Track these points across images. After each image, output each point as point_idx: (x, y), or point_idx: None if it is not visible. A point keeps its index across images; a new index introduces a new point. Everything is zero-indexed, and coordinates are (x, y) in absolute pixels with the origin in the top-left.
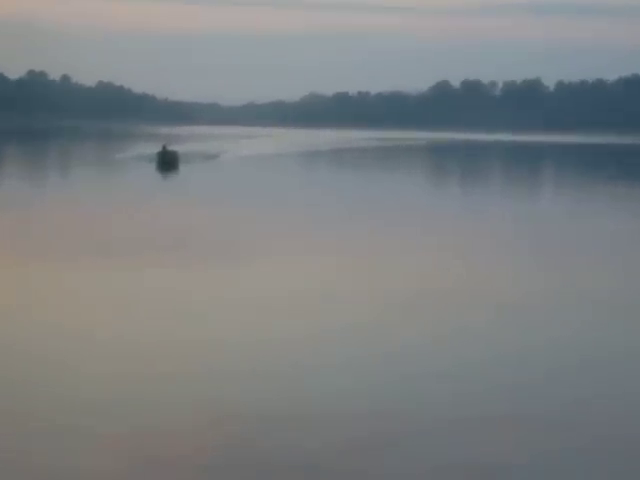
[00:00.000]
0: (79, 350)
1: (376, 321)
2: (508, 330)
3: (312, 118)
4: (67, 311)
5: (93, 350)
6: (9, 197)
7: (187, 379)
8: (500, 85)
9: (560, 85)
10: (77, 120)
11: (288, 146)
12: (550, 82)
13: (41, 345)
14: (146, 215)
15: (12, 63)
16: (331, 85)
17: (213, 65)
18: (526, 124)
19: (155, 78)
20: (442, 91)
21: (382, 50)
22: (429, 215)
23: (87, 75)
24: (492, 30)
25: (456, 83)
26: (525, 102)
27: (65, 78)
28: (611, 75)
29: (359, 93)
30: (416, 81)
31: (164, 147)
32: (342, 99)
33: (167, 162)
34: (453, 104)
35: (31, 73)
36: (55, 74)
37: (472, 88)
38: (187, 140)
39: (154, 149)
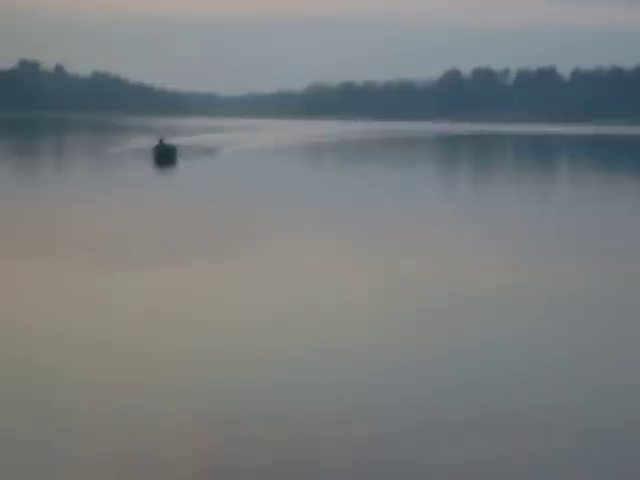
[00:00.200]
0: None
1: (393, 324)
2: (550, 330)
3: (316, 109)
4: (51, 312)
5: (74, 354)
6: None
7: (188, 387)
8: (513, 74)
9: (576, 73)
10: (71, 112)
11: (291, 139)
12: (565, 70)
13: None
14: (140, 213)
15: (3, 53)
16: (336, 74)
17: (213, 54)
18: (540, 114)
19: (152, 68)
20: (452, 80)
21: (389, 37)
22: (439, 213)
23: (82, 65)
24: (504, 16)
25: (467, 72)
26: (539, 91)
27: (59, 68)
28: (628, 62)
29: (365, 83)
30: (425, 70)
31: (161, 141)
32: (348, 89)
33: (164, 157)
34: (463, 94)
35: (23, 63)
36: (49, 64)
37: (484, 77)
38: (186, 133)
39: (151, 142)
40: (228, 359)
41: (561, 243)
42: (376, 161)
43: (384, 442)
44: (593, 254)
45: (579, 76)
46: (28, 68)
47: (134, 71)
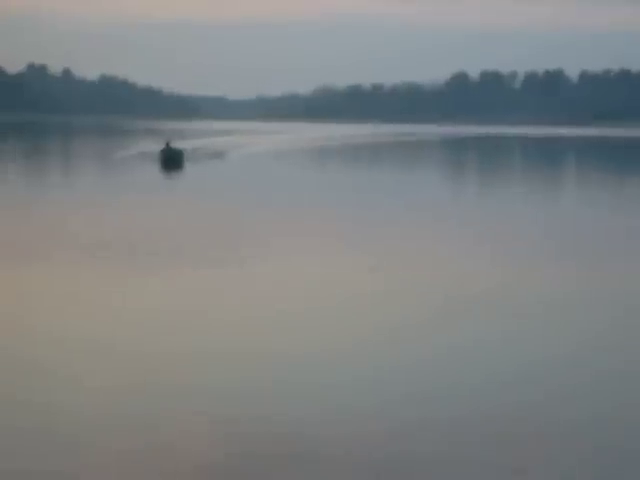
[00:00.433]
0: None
1: (399, 326)
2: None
3: (324, 112)
4: (57, 315)
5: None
6: None
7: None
8: (521, 76)
9: (583, 76)
10: (79, 115)
11: (299, 142)
12: (573, 73)
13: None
14: (143, 219)
15: (11, 57)
16: (344, 77)
17: (221, 57)
18: (548, 117)
19: (161, 71)
20: (459, 83)
21: (397, 41)
22: (445, 216)
23: (90, 69)
24: (511, 18)
25: (474, 74)
26: (547, 94)
27: (66, 72)
28: (636, 64)
29: (373, 86)
30: (432, 73)
31: (167, 144)
32: (355, 92)
33: (171, 161)
34: (471, 97)
35: (31, 67)
36: (56, 68)
37: (491, 80)
38: (193, 136)
39: (158, 146)
40: (236, 360)
41: (569, 246)
42: (384, 164)
43: (383, 440)
44: (601, 258)
45: (587, 78)
46: (36, 72)
47: (142, 74)
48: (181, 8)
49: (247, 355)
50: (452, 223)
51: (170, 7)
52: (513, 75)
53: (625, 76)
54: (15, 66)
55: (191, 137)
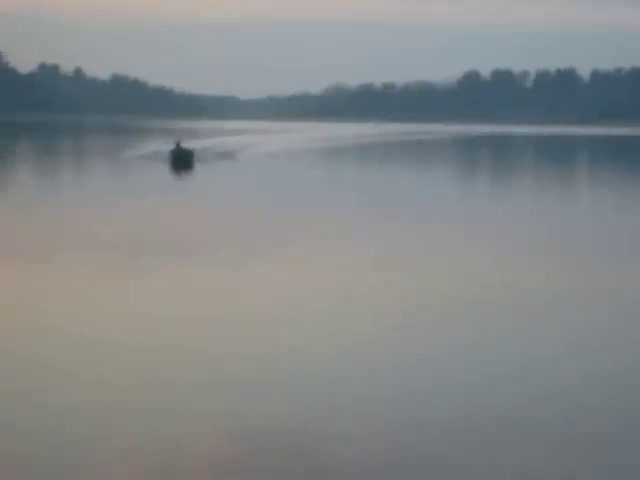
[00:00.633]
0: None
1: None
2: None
3: (336, 111)
4: (67, 314)
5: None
6: None
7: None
8: (532, 75)
9: (595, 74)
10: (90, 115)
11: (310, 142)
12: (584, 71)
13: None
14: (151, 221)
15: (23, 57)
16: (355, 76)
17: (232, 57)
18: (560, 116)
19: (172, 71)
20: (471, 82)
21: (408, 40)
22: (455, 215)
23: (101, 68)
24: (523, 17)
25: (486, 73)
26: (559, 93)
27: (78, 71)
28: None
29: (384, 85)
30: (444, 72)
31: (178, 144)
32: (366, 91)
33: (181, 161)
34: (482, 96)
35: (42, 67)
36: (68, 68)
37: (502, 79)
38: (204, 135)
39: (168, 146)
40: (251, 356)
41: (573, 244)
42: (394, 163)
43: (383, 439)
44: (613, 257)
45: (598, 77)
46: (47, 72)
47: (153, 74)
48: (192, 8)
49: (262, 351)
50: (464, 221)
51: (181, 7)
52: (525, 74)
53: (637, 75)
54: (27, 66)
55: (202, 137)
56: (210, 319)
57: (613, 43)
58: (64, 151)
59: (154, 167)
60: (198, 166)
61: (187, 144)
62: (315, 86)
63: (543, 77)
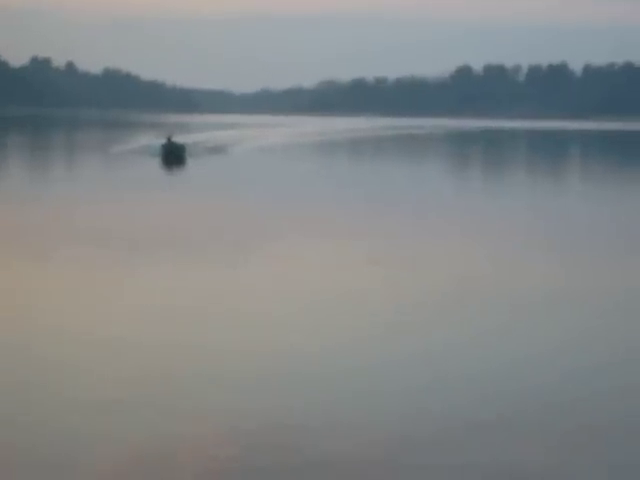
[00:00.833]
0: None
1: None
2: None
3: (328, 105)
4: (64, 311)
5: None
6: None
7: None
8: (525, 70)
9: (587, 69)
10: (82, 109)
11: (304, 136)
12: (576, 66)
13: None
14: (142, 217)
15: (14, 50)
16: (348, 71)
17: (225, 51)
18: (552, 111)
19: (164, 65)
20: (463, 76)
21: (400, 34)
22: (449, 209)
23: (93, 62)
24: (515, 11)
25: (478, 68)
26: (551, 88)
27: (70, 65)
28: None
29: (376, 79)
30: (436, 66)
31: (169, 139)
32: (359, 85)
33: (172, 155)
34: (475, 90)
35: (34, 61)
36: (60, 61)
37: (495, 73)
38: (197, 130)
39: (160, 140)
40: (251, 354)
41: (574, 239)
42: (387, 158)
43: (382, 433)
44: (607, 252)
45: (591, 72)
46: (39, 65)
47: (146, 68)
48: (185, 2)
49: (262, 348)
50: (457, 216)
51: (180, 2)
52: (517, 68)
53: (629, 70)
54: (18, 60)
55: (194, 131)
56: (204, 314)
57: (606, 38)
58: (55, 145)
59: (145, 162)
60: (190, 161)
61: (179, 138)
62: (309, 80)
63: (535, 72)
